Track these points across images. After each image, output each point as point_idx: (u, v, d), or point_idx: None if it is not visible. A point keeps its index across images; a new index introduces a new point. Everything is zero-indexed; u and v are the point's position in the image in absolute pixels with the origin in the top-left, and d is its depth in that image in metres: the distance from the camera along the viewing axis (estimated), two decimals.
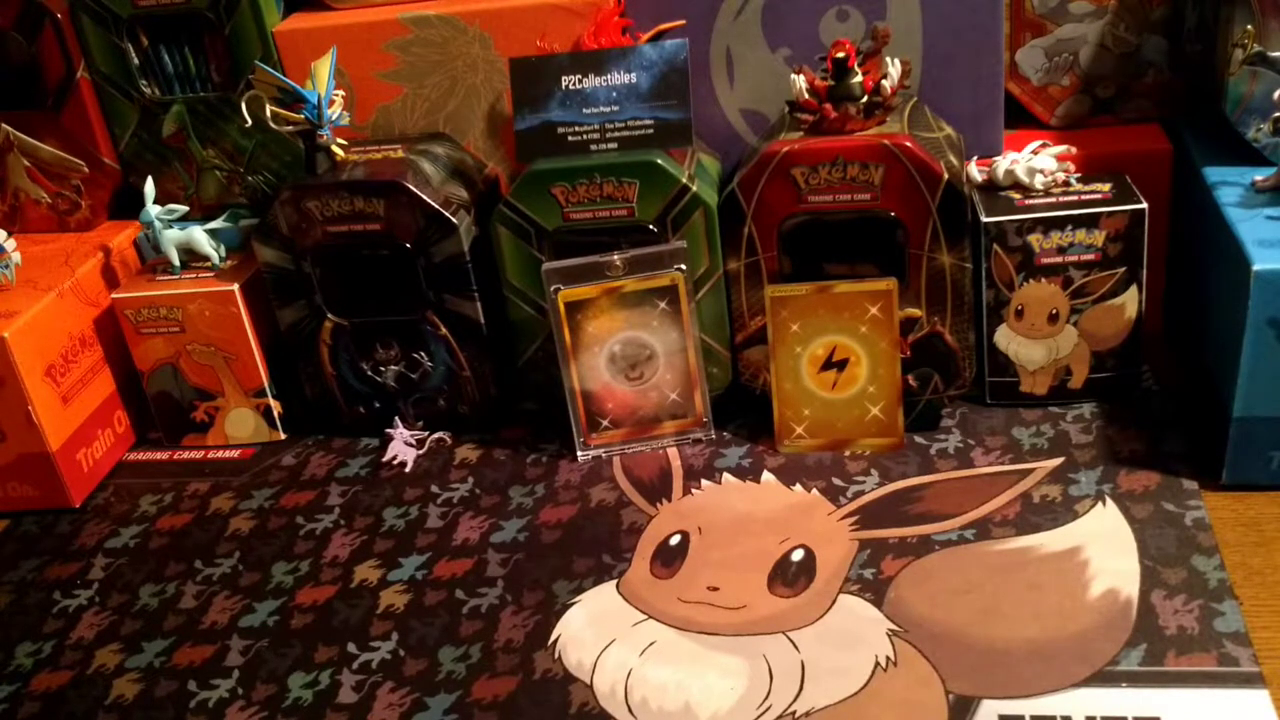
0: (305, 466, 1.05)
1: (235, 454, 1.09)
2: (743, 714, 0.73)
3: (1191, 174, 0.97)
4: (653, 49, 0.94)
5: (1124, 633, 0.74)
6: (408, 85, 1.06)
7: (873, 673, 0.74)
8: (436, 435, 1.06)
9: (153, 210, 1.06)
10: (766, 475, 0.95)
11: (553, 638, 0.81)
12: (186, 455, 1.10)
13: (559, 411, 1.00)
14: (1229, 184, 0.91)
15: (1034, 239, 0.92)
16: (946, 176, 0.88)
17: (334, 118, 0.98)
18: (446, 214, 0.97)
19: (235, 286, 1.03)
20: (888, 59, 0.92)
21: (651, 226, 0.94)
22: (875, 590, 0.81)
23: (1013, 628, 0.76)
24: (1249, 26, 0.89)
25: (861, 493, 0.91)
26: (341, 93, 1.01)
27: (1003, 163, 0.95)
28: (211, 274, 1.06)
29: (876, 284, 0.92)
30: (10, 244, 1.04)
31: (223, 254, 1.08)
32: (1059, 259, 0.92)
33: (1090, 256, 0.92)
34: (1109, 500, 0.86)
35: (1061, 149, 0.96)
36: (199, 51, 1.08)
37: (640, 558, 0.87)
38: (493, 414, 1.06)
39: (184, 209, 1.08)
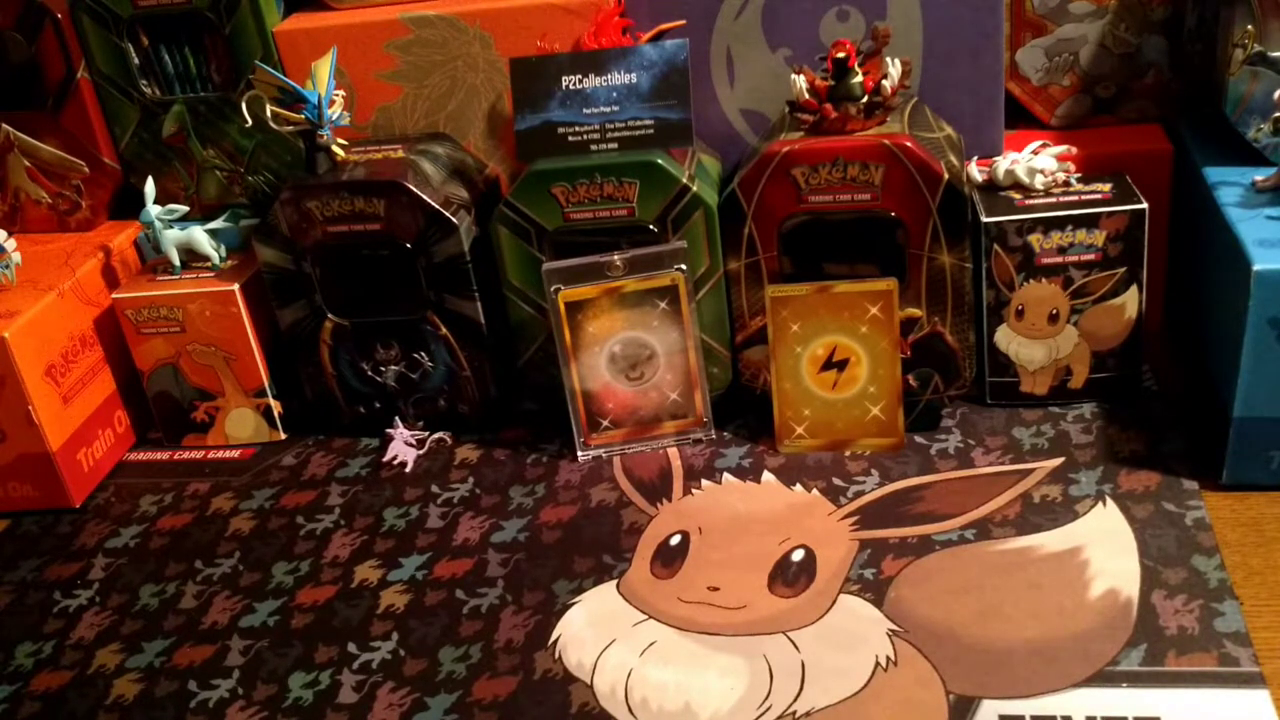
0: (305, 466, 1.05)
1: (235, 454, 1.09)
2: (743, 714, 0.73)
3: (1191, 174, 0.97)
4: (653, 49, 0.94)
5: (1124, 633, 0.74)
6: (408, 85, 1.06)
7: (873, 673, 0.74)
8: (436, 435, 1.05)
9: (153, 210, 1.06)
10: (767, 475, 0.95)
11: (553, 638, 0.81)
12: (187, 455, 1.10)
13: (559, 411, 1.00)
14: (1229, 184, 0.91)
15: (1034, 239, 0.92)
16: (947, 176, 0.88)
17: (334, 118, 0.98)
18: (447, 214, 0.97)
19: (235, 286, 1.03)
20: (888, 59, 0.92)
21: (652, 226, 0.94)
22: (875, 590, 0.81)
23: (1013, 628, 0.76)
24: (1249, 26, 0.89)
25: (862, 493, 0.91)
26: (342, 93, 1.01)
27: (1003, 163, 0.95)
28: (212, 274, 1.06)
29: (876, 284, 0.92)
30: (10, 244, 1.04)
31: (223, 254, 1.08)
32: (1059, 259, 0.92)
33: (1090, 256, 0.92)
34: (1109, 500, 0.86)
35: (1061, 149, 0.96)
36: (199, 51, 1.08)
37: (640, 558, 0.87)
38: (493, 414, 1.06)
39: (184, 209, 1.08)
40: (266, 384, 1.07)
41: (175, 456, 1.10)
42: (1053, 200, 0.93)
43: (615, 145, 0.94)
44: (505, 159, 1.08)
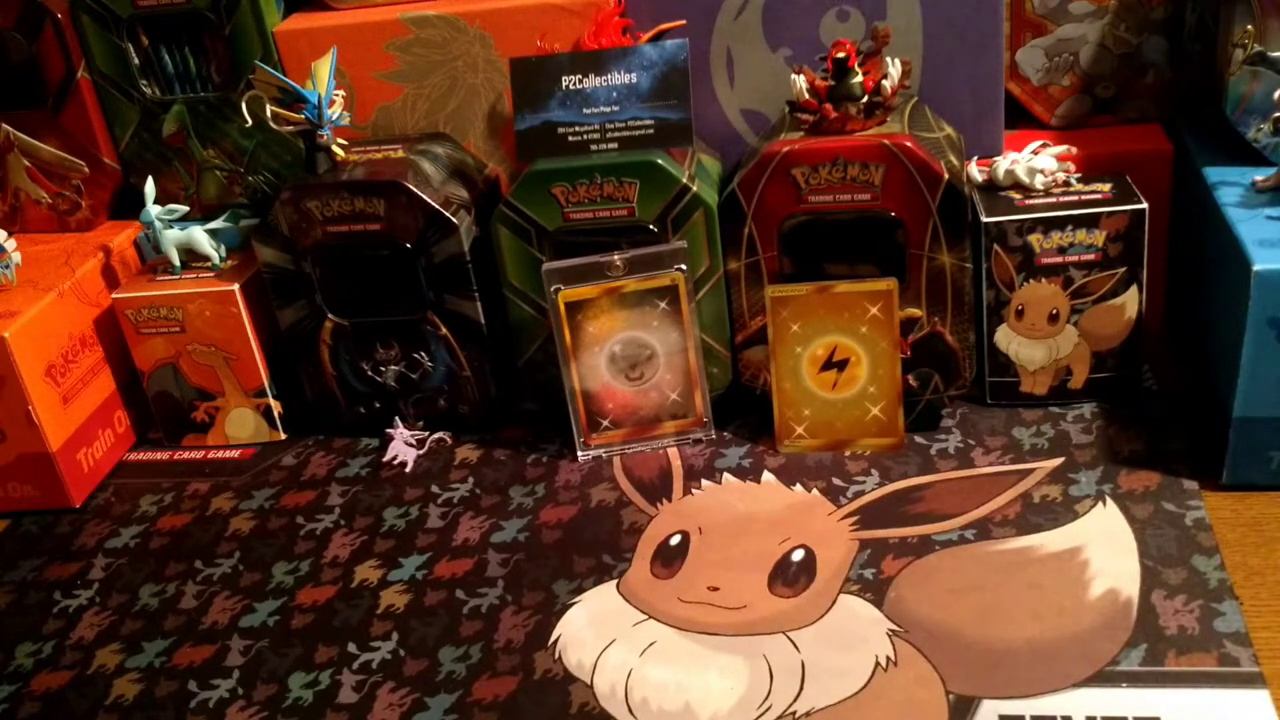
0: (305, 466, 1.05)
1: (235, 454, 1.09)
2: (743, 714, 0.73)
3: (1191, 174, 0.97)
4: (653, 49, 0.94)
5: (1124, 633, 0.74)
6: (408, 85, 1.06)
7: (873, 673, 0.74)
8: (436, 435, 1.05)
9: (153, 210, 1.06)
10: (767, 475, 0.95)
11: (553, 638, 0.81)
12: (187, 455, 1.10)
13: (559, 411, 1.00)
14: (1229, 184, 0.91)
15: (1034, 239, 0.92)
16: (946, 176, 0.88)
17: (334, 118, 0.98)
18: (447, 214, 0.97)
19: (235, 286, 1.03)
20: (888, 59, 0.92)
21: (652, 226, 0.94)
22: (875, 590, 0.81)
23: (1013, 628, 0.76)
24: (1249, 26, 0.89)
25: (862, 493, 0.91)
26: (342, 93, 1.01)
27: (1003, 163, 0.95)
28: (211, 274, 1.06)
29: (876, 284, 0.92)
30: (10, 244, 1.04)
31: (223, 254, 1.08)
32: (1059, 259, 0.92)
33: (1090, 256, 0.92)
34: (1109, 500, 0.86)
35: (1061, 149, 0.96)
36: (199, 51, 1.08)
37: (640, 558, 0.87)
38: (493, 414, 1.06)
39: (184, 209, 1.08)
40: (266, 384, 1.07)
41: (175, 456, 1.10)
42: (1053, 200, 0.93)
43: (615, 145, 0.94)
44: (505, 159, 1.08)
